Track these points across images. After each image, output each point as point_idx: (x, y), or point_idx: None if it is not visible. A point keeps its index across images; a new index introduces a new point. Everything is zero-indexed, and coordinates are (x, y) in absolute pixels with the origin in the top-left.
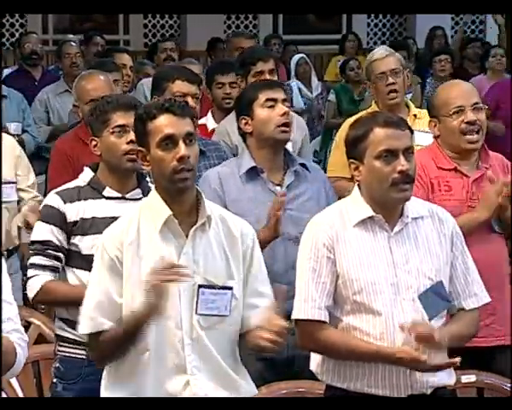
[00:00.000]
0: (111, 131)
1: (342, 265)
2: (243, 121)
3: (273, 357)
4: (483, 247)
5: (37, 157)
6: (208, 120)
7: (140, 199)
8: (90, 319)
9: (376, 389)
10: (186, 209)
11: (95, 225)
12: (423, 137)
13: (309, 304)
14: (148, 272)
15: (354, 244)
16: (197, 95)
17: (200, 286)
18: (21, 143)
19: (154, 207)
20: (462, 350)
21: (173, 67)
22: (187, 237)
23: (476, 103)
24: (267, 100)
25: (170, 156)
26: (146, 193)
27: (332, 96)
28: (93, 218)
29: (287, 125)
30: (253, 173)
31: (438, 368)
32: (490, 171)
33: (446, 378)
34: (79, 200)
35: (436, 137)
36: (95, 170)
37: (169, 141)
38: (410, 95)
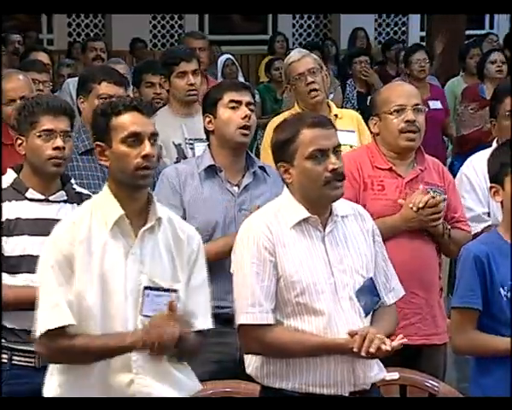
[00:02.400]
0: (38, 134)
1: (284, 267)
2: (207, 119)
3: (226, 359)
4: (411, 247)
5: None
6: None
7: (64, 201)
8: (52, 315)
9: (321, 388)
10: (137, 209)
11: (19, 227)
12: (345, 137)
13: (256, 309)
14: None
15: (292, 246)
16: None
17: (145, 288)
18: None
19: (105, 206)
20: None
21: (100, 69)
22: (136, 237)
23: (417, 104)
24: (231, 101)
25: (134, 153)
26: (70, 196)
27: (256, 97)
28: (17, 219)
29: (247, 128)
30: (211, 172)
31: (373, 356)
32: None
33: (380, 373)
34: (3, 201)
35: (375, 136)
36: (18, 171)
37: (135, 138)
38: (332, 96)
